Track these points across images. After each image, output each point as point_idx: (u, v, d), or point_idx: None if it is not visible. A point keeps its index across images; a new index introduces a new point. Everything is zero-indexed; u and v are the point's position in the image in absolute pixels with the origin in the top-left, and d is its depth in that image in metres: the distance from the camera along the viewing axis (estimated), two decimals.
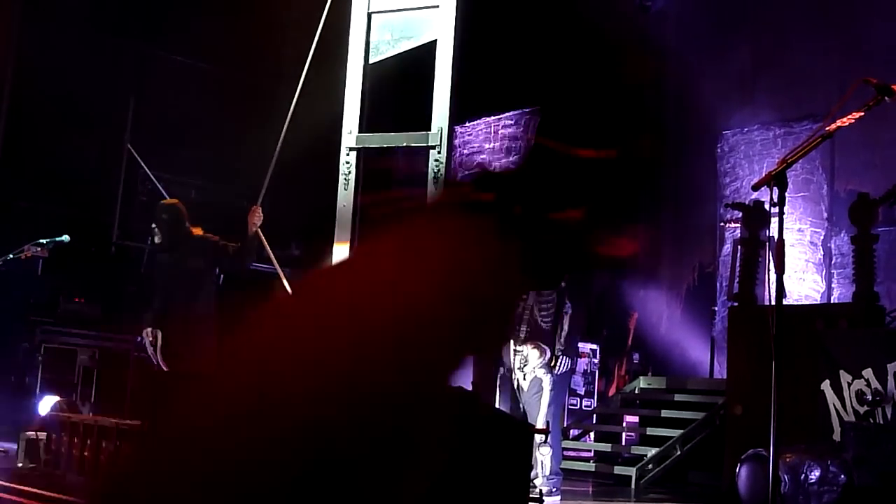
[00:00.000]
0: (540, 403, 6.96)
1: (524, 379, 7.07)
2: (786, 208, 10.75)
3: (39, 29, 10.93)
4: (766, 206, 10.45)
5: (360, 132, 7.23)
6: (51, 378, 10.22)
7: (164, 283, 7.50)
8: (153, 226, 7.56)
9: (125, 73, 12.05)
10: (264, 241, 7.48)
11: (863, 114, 3.68)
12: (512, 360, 7.14)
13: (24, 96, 10.88)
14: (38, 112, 10.97)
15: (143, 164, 12.01)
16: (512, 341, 7.13)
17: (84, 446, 5.62)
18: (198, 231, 7.61)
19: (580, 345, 10.96)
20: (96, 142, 12.01)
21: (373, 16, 7.33)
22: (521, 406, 7.14)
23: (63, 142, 11.37)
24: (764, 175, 3.43)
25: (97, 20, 11.50)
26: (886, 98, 3.73)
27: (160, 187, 12.02)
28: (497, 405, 7.31)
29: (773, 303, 9.06)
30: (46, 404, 7.19)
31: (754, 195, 10.69)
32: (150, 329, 7.21)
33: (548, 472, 6.95)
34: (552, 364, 6.94)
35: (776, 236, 3.66)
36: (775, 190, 3.40)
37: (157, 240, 7.52)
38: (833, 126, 3.64)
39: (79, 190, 11.71)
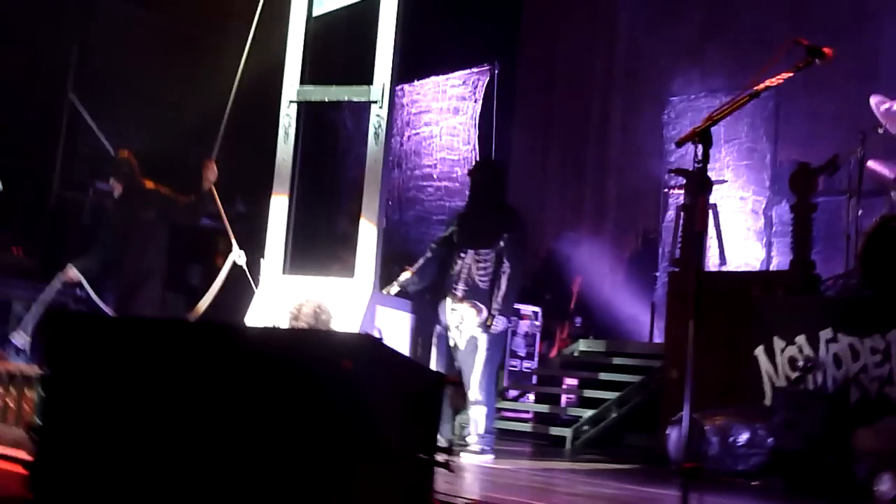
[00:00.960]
0: (475, 362, 6.96)
1: (460, 337, 7.07)
2: (729, 176, 10.89)
3: None
4: (709, 173, 10.53)
5: (301, 85, 7.17)
6: None
7: (115, 235, 7.42)
8: (111, 179, 7.46)
9: (69, 19, 11.81)
10: (216, 196, 7.42)
11: (791, 74, 3.68)
12: (448, 319, 7.14)
13: None
14: None
15: (85, 115, 11.81)
16: (449, 299, 7.13)
17: (7, 394, 5.54)
18: (149, 184, 7.54)
19: (522, 307, 11.02)
20: (37, 91, 11.76)
21: None
22: (455, 364, 7.15)
23: (2, 90, 11.12)
24: (689, 131, 3.43)
25: None
26: (817, 60, 3.73)
27: (103, 138, 11.84)
28: (433, 363, 7.32)
29: (705, 266, 9.09)
30: None
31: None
32: (74, 272, 7.16)
33: (481, 431, 6.98)
34: (488, 323, 6.95)
35: (704, 197, 3.66)
36: (699, 147, 3.39)
37: (116, 194, 7.42)
38: (761, 85, 3.63)
39: (19, 139, 11.49)
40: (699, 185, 3.54)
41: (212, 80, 9.70)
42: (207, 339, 2.90)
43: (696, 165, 3.43)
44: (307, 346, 2.80)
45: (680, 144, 3.62)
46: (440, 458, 3.14)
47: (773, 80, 3.63)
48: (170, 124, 11.89)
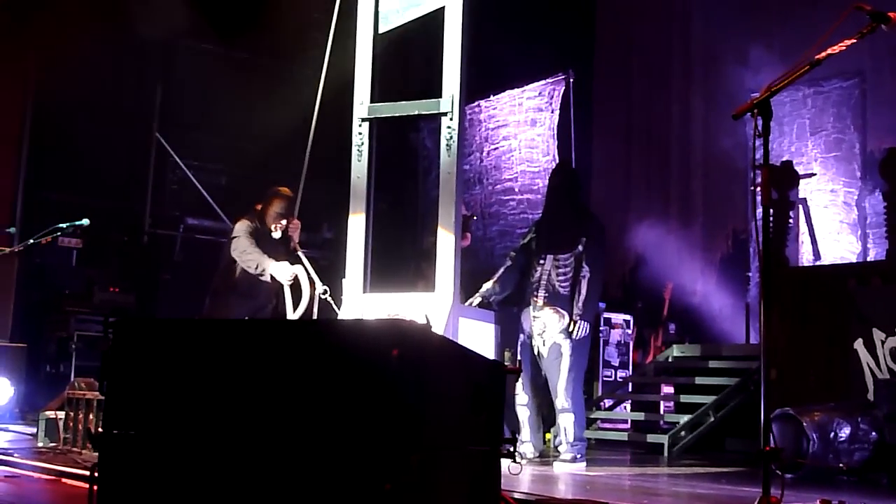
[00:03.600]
0: (560, 369, 6.87)
1: (543, 345, 6.99)
2: (818, 169, 10.60)
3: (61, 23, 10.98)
4: (796, 167, 10.27)
5: (371, 102, 7.18)
6: (85, 366, 10.30)
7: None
8: (280, 219, 7.48)
9: (151, 59, 12.09)
10: (302, 256, 7.47)
11: (855, 41, 3.54)
12: (531, 326, 7.06)
13: (51, 89, 10.93)
14: (65, 104, 11.02)
15: (171, 153, 12.06)
16: (530, 307, 7.05)
17: (98, 423, 5.64)
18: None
19: (613, 316, 10.86)
20: (125, 131, 12.05)
21: None
22: (542, 373, 7.06)
23: (92, 133, 11.41)
24: (746, 103, 3.31)
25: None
26: (883, 26, 3.58)
27: (190, 174, 12.08)
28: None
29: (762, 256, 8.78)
30: None
31: (784, 157, 10.51)
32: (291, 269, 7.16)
33: (571, 439, 6.87)
34: (570, 329, 6.85)
35: (763, 169, 3.53)
36: (759, 120, 3.27)
37: (278, 235, 7.48)
38: (823, 54, 3.50)
39: (109, 180, 11.78)
40: (766, 156, 3.40)
41: (291, 108, 9.83)
42: (262, 336, 2.88)
43: (757, 139, 3.30)
44: (353, 335, 2.77)
45: (737, 117, 3.50)
46: (505, 448, 3.08)
47: (836, 47, 3.50)
48: (252, 156, 12.07)
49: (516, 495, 3.31)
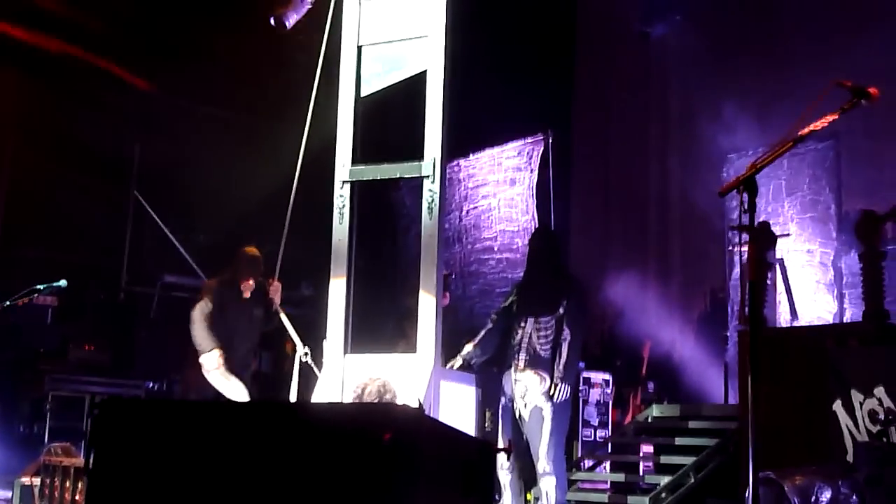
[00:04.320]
0: (541, 432, 6.85)
1: (525, 408, 6.97)
2: (794, 229, 10.70)
3: (39, 78, 11.00)
4: (773, 228, 10.35)
5: (353, 165, 7.20)
6: (59, 427, 10.17)
7: (229, 330, 7.49)
8: (249, 277, 7.55)
9: (128, 117, 12.10)
10: (283, 313, 7.54)
11: (836, 117, 3.60)
12: (513, 389, 7.05)
13: (27, 145, 10.93)
14: (41, 161, 11.01)
15: (149, 210, 12.04)
16: (512, 370, 7.04)
17: (76, 490, 5.56)
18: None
19: (592, 374, 10.85)
20: (102, 188, 12.03)
21: (363, 48, 7.32)
22: (523, 436, 7.03)
23: (68, 190, 11.40)
24: (732, 180, 3.35)
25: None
26: (862, 101, 3.64)
27: (167, 232, 12.04)
28: (500, 435, 7.21)
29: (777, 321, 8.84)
30: None
31: (761, 217, 10.59)
32: (217, 351, 7.20)
33: (553, 503, 6.83)
34: (552, 392, 6.84)
35: (751, 245, 3.56)
36: (745, 196, 3.31)
37: (248, 293, 7.53)
38: (805, 130, 3.55)
39: (86, 237, 11.75)
40: (752, 236, 3.44)
41: (271, 167, 9.84)
42: (250, 419, 2.86)
43: (742, 215, 3.34)
44: (344, 419, 2.75)
45: (723, 194, 3.54)
46: None
47: (818, 123, 3.55)
48: (232, 214, 12.05)
49: None
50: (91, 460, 2.90)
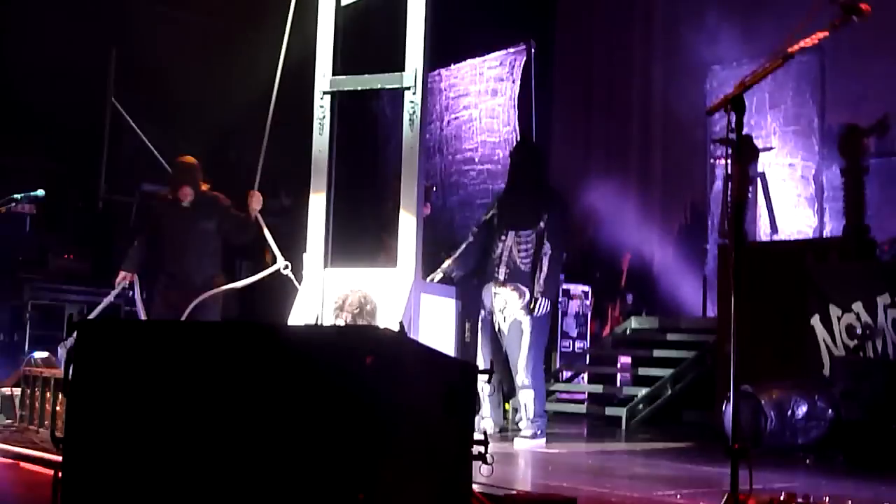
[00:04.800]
0: (520, 345, 6.88)
1: (504, 321, 6.99)
2: (776, 143, 10.64)
3: None
4: (755, 141, 10.32)
5: (333, 75, 7.08)
6: (39, 335, 10.15)
7: (171, 242, 7.42)
8: (184, 185, 7.44)
9: (104, 22, 11.83)
10: (264, 226, 7.42)
11: (827, 33, 3.52)
12: (492, 302, 7.05)
13: (2, 52, 10.70)
14: (18, 67, 10.78)
15: (127, 117, 11.84)
16: (492, 283, 7.04)
17: (56, 401, 5.55)
18: (205, 188, 7.57)
19: (572, 286, 10.89)
20: (78, 95, 11.81)
21: None
22: (502, 349, 7.06)
23: (46, 96, 11.18)
24: (720, 98, 3.30)
25: None
26: (854, 17, 3.56)
27: (146, 140, 11.87)
28: (479, 348, 7.24)
29: (755, 237, 8.85)
30: None
31: (743, 131, 10.53)
32: (128, 273, 7.31)
33: (531, 415, 6.89)
34: (532, 306, 6.85)
35: (735, 166, 3.53)
36: (733, 115, 3.26)
37: (187, 201, 7.41)
38: (795, 47, 3.48)
39: (64, 145, 11.58)
40: (739, 153, 3.39)
41: (250, 76, 9.67)
42: (232, 340, 2.84)
43: (730, 134, 3.29)
44: (325, 342, 2.74)
45: (710, 113, 3.49)
46: (477, 449, 3.07)
47: (808, 40, 3.48)
48: (210, 123, 11.89)
49: (480, 479, 3.30)
50: (69, 378, 2.88)
